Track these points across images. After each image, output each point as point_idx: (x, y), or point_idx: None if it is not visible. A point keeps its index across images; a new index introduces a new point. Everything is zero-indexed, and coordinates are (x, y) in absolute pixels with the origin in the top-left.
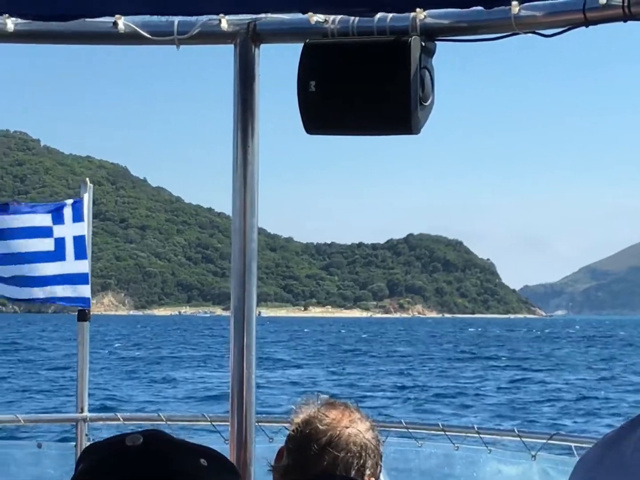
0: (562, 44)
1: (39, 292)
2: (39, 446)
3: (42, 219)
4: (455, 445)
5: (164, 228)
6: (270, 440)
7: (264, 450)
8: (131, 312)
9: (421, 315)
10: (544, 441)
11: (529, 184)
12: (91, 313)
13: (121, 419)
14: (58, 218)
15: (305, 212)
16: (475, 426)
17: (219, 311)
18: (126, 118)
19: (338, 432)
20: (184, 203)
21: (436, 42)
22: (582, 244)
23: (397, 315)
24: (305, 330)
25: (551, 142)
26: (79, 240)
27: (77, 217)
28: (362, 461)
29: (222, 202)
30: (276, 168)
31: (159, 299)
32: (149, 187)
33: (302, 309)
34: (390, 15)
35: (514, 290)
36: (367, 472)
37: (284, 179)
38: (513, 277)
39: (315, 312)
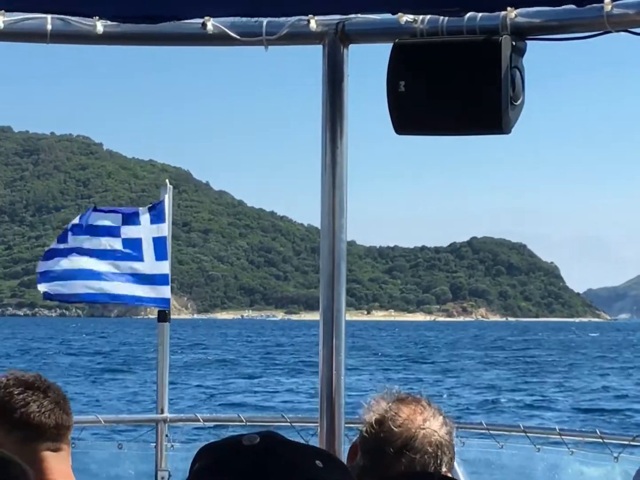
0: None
1: (110, 289)
2: (120, 447)
3: (111, 220)
4: (537, 447)
5: (226, 232)
6: (352, 441)
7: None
8: (195, 316)
9: (485, 319)
10: (627, 442)
11: (593, 186)
12: (153, 317)
13: (201, 420)
14: (130, 220)
15: (368, 215)
16: (557, 428)
17: (281, 315)
18: (189, 121)
19: (413, 434)
20: (246, 207)
21: (527, 42)
22: None
23: (461, 319)
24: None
25: (616, 145)
26: (159, 242)
27: (158, 218)
28: (438, 460)
29: (284, 205)
30: None
31: (222, 303)
32: (211, 191)
33: (365, 312)
34: (480, 14)
35: (578, 294)
36: (444, 468)
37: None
38: (576, 280)
39: (378, 315)
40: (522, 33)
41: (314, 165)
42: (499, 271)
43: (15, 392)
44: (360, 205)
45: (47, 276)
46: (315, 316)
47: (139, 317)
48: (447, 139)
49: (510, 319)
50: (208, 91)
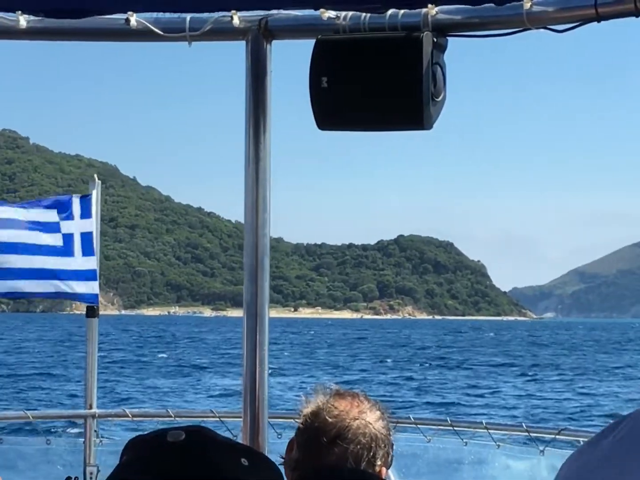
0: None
1: (49, 286)
2: (48, 442)
3: (49, 215)
4: (464, 440)
5: (153, 227)
6: (279, 436)
7: (272, 446)
8: (122, 312)
9: (412, 317)
10: (553, 436)
11: (517, 186)
12: (79, 312)
13: (130, 415)
14: (66, 214)
15: (296, 213)
16: (484, 422)
17: (207, 312)
18: (116, 116)
19: (347, 424)
20: (173, 202)
21: (448, 38)
22: (570, 247)
23: (388, 316)
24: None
25: (540, 146)
26: (86, 237)
27: (85, 213)
28: (372, 453)
29: (211, 201)
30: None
31: (148, 299)
32: (138, 186)
33: (292, 309)
34: (402, 11)
35: (504, 293)
36: (378, 462)
37: (273, 178)
38: (502, 279)
39: (305, 313)
40: (443, 30)
41: (240, 161)
42: (426, 269)
43: None
44: (288, 202)
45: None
46: (241, 312)
47: (64, 312)
48: (370, 134)
49: (437, 317)
50: (135, 85)
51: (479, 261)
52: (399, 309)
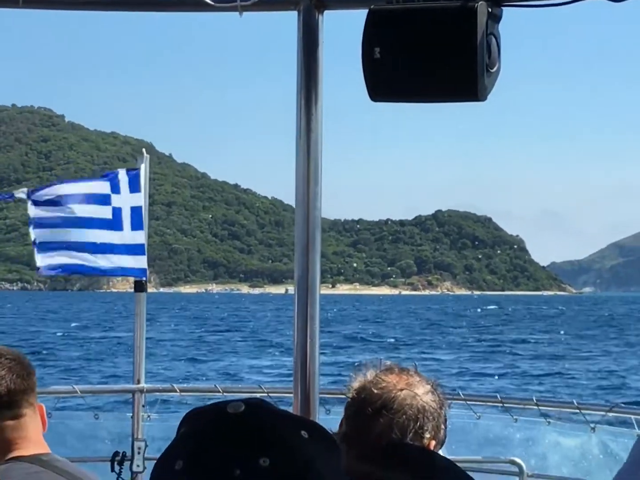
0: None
1: (102, 261)
2: (96, 417)
3: (101, 187)
4: (514, 417)
5: (189, 204)
6: (328, 412)
7: (321, 422)
8: (160, 290)
9: (450, 293)
10: (603, 413)
11: (555, 161)
12: (116, 290)
13: (178, 390)
14: (115, 187)
15: (333, 189)
16: (534, 398)
17: (245, 289)
18: (151, 93)
19: (393, 396)
20: (209, 179)
21: (503, 8)
22: (608, 221)
23: (426, 292)
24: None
25: (578, 121)
26: (136, 211)
27: (134, 187)
28: (419, 424)
29: (248, 178)
30: None
31: (185, 277)
32: (174, 163)
33: (330, 286)
34: None
35: (543, 267)
36: (427, 435)
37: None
38: (540, 254)
39: (343, 289)
40: None
41: (278, 138)
42: (464, 244)
43: None
44: (325, 177)
45: (45, 247)
46: (279, 289)
47: (101, 290)
48: (420, 106)
49: (475, 292)
50: (172, 62)
51: (517, 236)
52: (437, 284)
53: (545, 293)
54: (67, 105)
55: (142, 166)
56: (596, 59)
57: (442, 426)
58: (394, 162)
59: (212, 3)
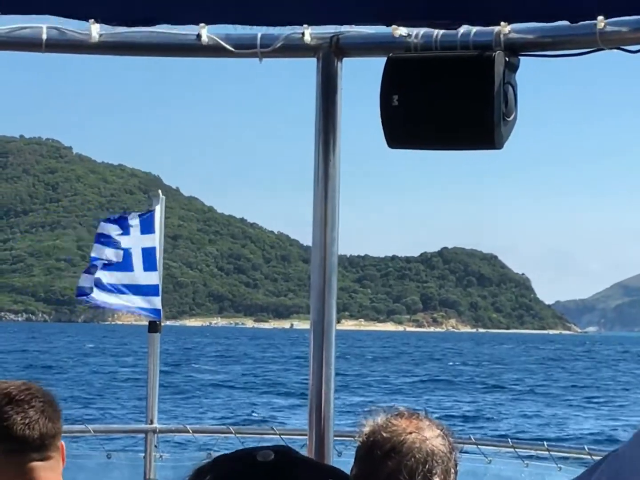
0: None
1: (119, 300)
2: (109, 456)
3: (114, 230)
4: (525, 462)
5: (195, 238)
6: (339, 454)
7: (333, 464)
8: (165, 323)
9: (455, 330)
10: None
11: (559, 201)
12: (120, 322)
13: (190, 431)
14: (124, 229)
15: (339, 224)
16: (545, 443)
17: (250, 323)
18: (160, 127)
19: (402, 439)
20: (216, 213)
21: (520, 57)
22: (613, 261)
23: (431, 329)
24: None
25: (583, 163)
26: (148, 252)
27: (147, 229)
28: (427, 467)
29: (254, 212)
30: (308, 179)
31: (190, 309)
32: (181, 197)
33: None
34: (474, 29)
35: (549, 306)
36: (435, 478)
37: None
38: (545, 292)
39: (348, 325)
40: (515, 49)
41: (284, 173)
42: (470, 282)
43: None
44: None
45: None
46: (284, 324)
47: (106, 322)
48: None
49: (480, 330)
50: (179, 97)
51: (523, 274)
52: (442, 321)
53: (551, 332)
54: (75, 137)
55: (157, 207)
56: (604, 104)
57: (452, 470)
58: (399, 198)
59: (233, 49)
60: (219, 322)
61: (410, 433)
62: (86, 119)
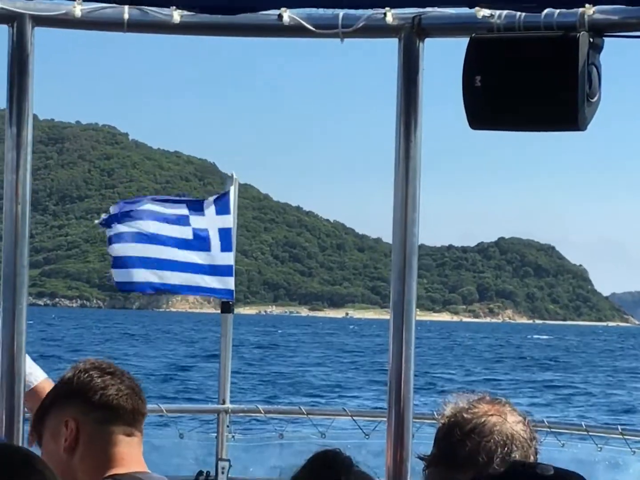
0: None
1: (176, 278)
2: (181, 436)
3: (179, 209)
4: (599, 446)
5: (251, 226)
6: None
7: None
8: (219, 311)
9: (512, 321)
10: None
11: (616, 191)
12: (175, 309)
13: (262, 412)
14: (196, 209)
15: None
16: (620, 427)
17: (304, 311)
18: (216, 113)
19: (483, 420)
20: (271, 201)
21: (604, 38)
22: None
23: (487, 319)
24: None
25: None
26: (224, 233)
27: (223, 210)
28: (506, 449)
29: (310, 200)
30: (369, 167)
31: (245, 298)
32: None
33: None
34: (558, 10)
35: (606, 298)
36: None
37: (372, 178)
38: (601, 284)
39: None
40: (599, 30)
41: (341, 161)
42: (526, 272)
43: (95, 376)
44: (387, 202)
45: (120, 262)
46: (339, 313)
47: (160, 309)
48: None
49: (537, 321)
50: (238, 83)
51: (580, 265)
52: (498, 312)
53: (609, 324)
54: (131, 124)
55: (232, 188)
56: None
57: (532, 458)
58: (455, 187)
59: (314, 29)
60: (273, 310)
61: (492, 416)
62: (143, 105)
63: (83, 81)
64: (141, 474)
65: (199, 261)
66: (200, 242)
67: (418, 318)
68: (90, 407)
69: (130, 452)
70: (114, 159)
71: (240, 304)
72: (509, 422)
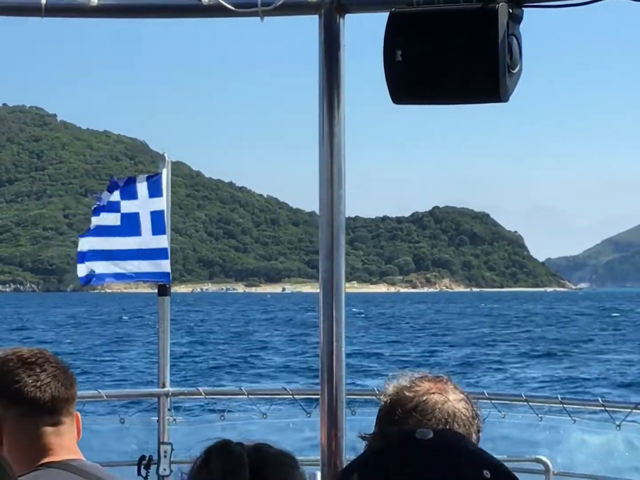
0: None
1: (102, 267)
2: (122, 421)
3: (113, 196)
4: (539, 416)
5: (184, 203)
6: (353, 413)
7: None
8: (155, 290)
9: (449, 290)
10: (629, 410)
11: (548, 158)
12: (111, 290)
13: (202, 394)
14: (128, 194)
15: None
16: (559, 397)
17: (241, 288)
18: (145, 92)
19: (424, 399)
20: (204, 178)
21: (523, 9)
22: (603, 217)
23: (424, 290)
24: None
25: (570, 117)
26: (157, 215)
27: (155, 192)
28: (447, 427)
29: (242, 176)
30: (300, 140)
31: (180, 276)
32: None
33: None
34: None
35: (542, 263)
36: None
37: (306, 152)
38: (536, 250)
39: None
40: (518, 0)
41: (272, 135)
42: (462, 241)
43: (12, 368)
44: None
45: (85, 257)
46: (275, 288)
47: (95, 291)
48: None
49: (474, 289)
50: (164, 60)
51: (515, 232)
52: (435, 281)
53: (547, 289)
54: (59, 105)
55: (164, 170)
56: (594, 56)
57: (475, 436)
58: (388, 158)
59: (233, 8)
60: (209, 287)
61: (433, 394)
62: (70, 84)
63: (7, 63)
64: (73, 461)
65: (128, 247)
66: (129, 227)
67: (355, 290)
68: (8, 402)
69: (59, 442)
70: (43, 140)
71: (176, 282)
72: (451, 400)
